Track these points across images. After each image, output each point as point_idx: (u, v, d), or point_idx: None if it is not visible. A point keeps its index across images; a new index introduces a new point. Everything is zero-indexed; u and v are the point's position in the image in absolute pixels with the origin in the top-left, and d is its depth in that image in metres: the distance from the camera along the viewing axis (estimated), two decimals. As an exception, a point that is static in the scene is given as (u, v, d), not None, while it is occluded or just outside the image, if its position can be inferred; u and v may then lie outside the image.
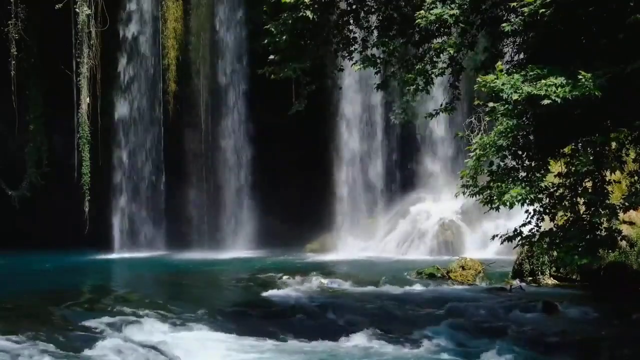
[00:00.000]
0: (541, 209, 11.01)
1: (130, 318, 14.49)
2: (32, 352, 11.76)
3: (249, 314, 15.74)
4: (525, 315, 15.11)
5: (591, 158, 10.18)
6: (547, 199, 10.69)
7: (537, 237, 11.14)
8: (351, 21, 13.61)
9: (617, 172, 10.52)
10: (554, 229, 11.02)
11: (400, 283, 19.12)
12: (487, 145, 10.38)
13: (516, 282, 18.44)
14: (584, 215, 10.70)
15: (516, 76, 10.01)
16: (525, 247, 14.34)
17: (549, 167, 10.88)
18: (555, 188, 10.82)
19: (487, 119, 11.02)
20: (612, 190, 10.73)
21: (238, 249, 29.44)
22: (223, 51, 30.95)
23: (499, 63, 11.01)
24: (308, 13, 12.26)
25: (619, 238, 10.95)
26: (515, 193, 10.06)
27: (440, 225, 27.67)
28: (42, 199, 31.22)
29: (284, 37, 12.55)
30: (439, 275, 20.16)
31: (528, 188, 10.18)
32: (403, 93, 29.38)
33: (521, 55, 11.80)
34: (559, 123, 10.23)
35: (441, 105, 13.22)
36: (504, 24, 10.77)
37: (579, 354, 11.72)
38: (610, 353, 11.95)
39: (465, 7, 11.11)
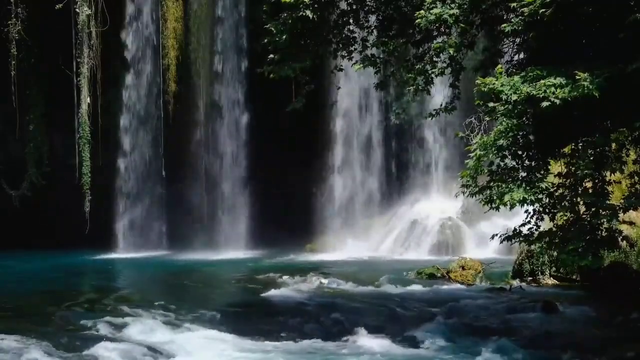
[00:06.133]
0: (541, 209, 11.01)
1: (130, 318, 14.49)
2: (32, 352, 11.77)
3: (249, 314, 15.74)
4: (525, 315, 15.10)
5: (591, 159, 10.18)
6: (547, 198, 10.69)
7: (535, 236, 11.15)
8: (351, 21, 13.61)
9: (618, 172, 10.52)
10: (554, 229, 11.03)
11: (400, 283, 19.11)
12: (487, 145, 10.37)
13: (516, 282, 18.43)
14: (584, 216, 10.70)
15: (515, 78, 10.03)
16: (525, 247, 14.35)
17: (549, 167, 10.88)
18: (555, 188, 10.82)
19: (487, 119, 11.03)
20: (612, 190, 10.73)
21: (238, 249, 29.43)
22: (223, 51, 30.94)
23: (500, 65, 11.02)
24: (308, 12, 12.27)
25: (619, 238, 10.95)
26: (516, 196, 10.07)
27: (440, 225, 27.66)
28: (43, 199, 31.23)
29: (284, 37, 12.56)
30: (439, 275, 20.15)
31: (528, 189, 10.18)
32: (402, 93, 29.59)
33: (521, 55, 11.80)
34: (558, 123, 10.23)
35: (441, 105, 13.23)
36: (504, 24, 10.77)
37: (579, 354, 11.72)
38: (610, 353, 11.95)
39: (465, 7, 11.11)
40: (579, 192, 10.66)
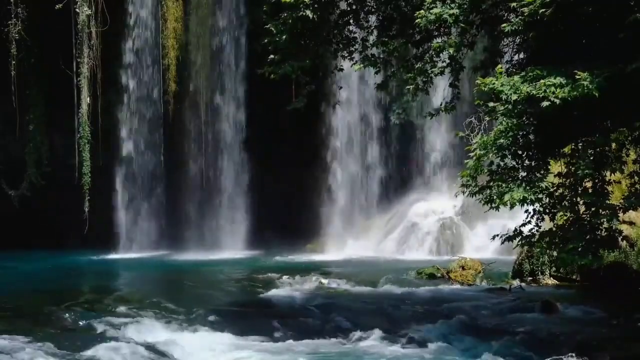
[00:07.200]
0: (541, 209, 11.01)
1: (130, 318, 14.48)
2: (32, 352, 11.76)
3: (249, 314, 15.73)
4: (525, 315, 15.10)
5: (591, 159, 10.19)
6: (547, 198, 10.69)
7: (536, 237, 11.14)
8: (351, 21, 13.61)
9: (618, 172, 10.53)
10: (554, 229, 11.03)
11: (400, 283, 19.11)
12: (487, 145, 10.38)
13: (516, 282, 18.43)
14: (584, 215, 10.70)
15: (515, 77, 10.03)
16: (525, 247, 14.35)
17: (549, 167, 10.89)
18: (555, 188, 10.82)
19: (487, 118, 11.03)
20: (612, 190, 10.74)
21: (238, 249, 29.44)
22: (223, 51, 30.95)
23: (500, 65, 11.02)
24: (308, 12, 12.26)
25: (619, 238, 10.95)
26: (516, 196, 10.07)
27: (440, 225, 27.66)
28: (43, 199, 31.22)
29: (284, 37, 12.55)
30: (439, 275, 20.15)
31: (528, 189, 10.19)
32: (403, 93, 29.63)
33: (521, 55, 11.82)
34: (558, 123, 10.23)
35: (441, 104, 13.23)
36: (504, 24, 10.77)
37: (579, 354, 11.70)
38: (610, 353, 11.94)
39: (465, 6, 11.11)
40: (579, 192, 10.66)
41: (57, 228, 30.58)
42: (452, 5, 11.09)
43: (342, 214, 30.51)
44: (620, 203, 10.51)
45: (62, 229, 30.38)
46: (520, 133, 10.43)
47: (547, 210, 11.00)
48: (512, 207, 10.22)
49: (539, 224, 11.25)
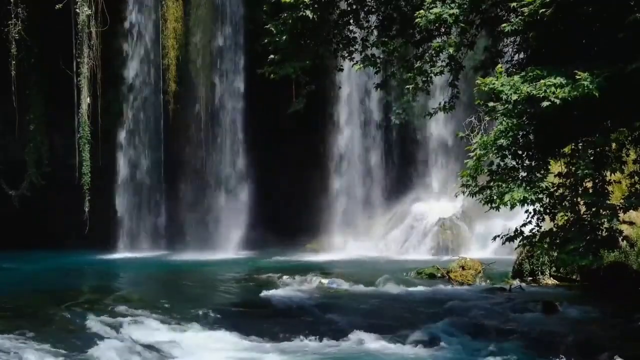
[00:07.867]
0: (541, 209, 11.01)
1: (130, 318, 14.50)
2: (32, 352, 11.77)
3: (249, 314, 15.74)
4: (525, 315, 15.10)
5: (591, 159, 10.19)
6: (547, 199, 10.69)
7: (537, 237, 11.14)
8: (351, 21, 13.61)
9: (618, 172, 10.53)
10: (555, 229, 11.02)
11: (400, 283, 19.11)
12: (487, 145, 10.38)
13: (516, 282, 18.43)
14: (584, 216, 10.70)
15: (516, 77, 10.03)
16: (526, 247, 14.36)
17: (549, 167, 10.88)
18: (555, 188, 10.82)
19: (487, 118, 11.03)
20: (612, 190, 10.74)
21: (238, 249, 29.45)
22: (223, 51, 30.96)
23: (499, 65, 11.02)
24: (308, 13, 12.27)
25: (619, 238, 10.95)
26: (516, 196, 10.07)
27: (440, 225, 27.66)
28: (43, 199, 31.22)
29: (284, 37, 12.56)
30: (439, 275, 20.17)
31: (529, 189, 10.19)
32: (403, 93, 29.60)
33: (521, 55, 11.82)
34: (559, 123, 10.23)
35: (440, 104, 13.23)
36: (504, 24, 10.78)
37: (579, 354, 11.71)
38: (610, 353, 11.93)
39: (465, 6, 11.11)
40: (579, 192, 10.66)
41: (57, 228, 30.58)
42: (452, 5, 11.09)
43: (342, 213, 30.51)
44: (620, 203, 10.51)
45: (62, 229, 30.38)
46: (520, 133, 10.43)
47: (548, 211, 10.99)
48: (512, 207, 10.22)
49: (540, 224, 11.25)
